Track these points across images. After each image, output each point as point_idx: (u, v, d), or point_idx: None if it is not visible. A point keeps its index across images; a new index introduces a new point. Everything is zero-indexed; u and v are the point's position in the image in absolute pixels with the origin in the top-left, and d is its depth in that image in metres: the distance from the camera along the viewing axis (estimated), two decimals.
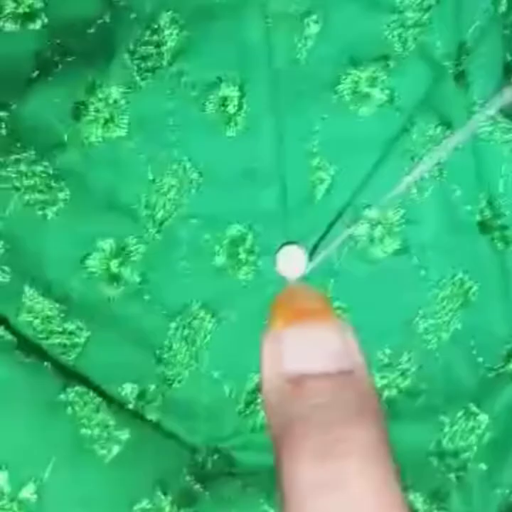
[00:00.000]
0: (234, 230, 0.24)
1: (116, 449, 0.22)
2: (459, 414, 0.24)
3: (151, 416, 0.24)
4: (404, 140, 0.24)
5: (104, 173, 0.24)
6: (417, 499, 0.23)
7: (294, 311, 0.22)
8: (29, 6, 0.26)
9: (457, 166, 0.24)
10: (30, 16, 0.26)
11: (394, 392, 0.24)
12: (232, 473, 0.24)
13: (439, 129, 0.24)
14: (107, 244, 0.24)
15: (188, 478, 0.24)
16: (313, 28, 0.24)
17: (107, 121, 0.24)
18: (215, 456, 0.24)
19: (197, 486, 0.24)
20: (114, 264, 0.24)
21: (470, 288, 0.24)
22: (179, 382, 0.24)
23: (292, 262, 0.24)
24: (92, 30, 0.26)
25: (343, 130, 0.24)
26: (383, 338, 0.24)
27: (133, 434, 0.23)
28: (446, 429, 0.24)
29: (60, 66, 0.25)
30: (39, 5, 0.26)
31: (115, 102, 0.25)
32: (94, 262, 0.24)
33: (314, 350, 0.22)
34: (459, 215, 0.24)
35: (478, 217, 0.24)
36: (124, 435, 0.23)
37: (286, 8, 0.24)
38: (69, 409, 0.22)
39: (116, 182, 0.24)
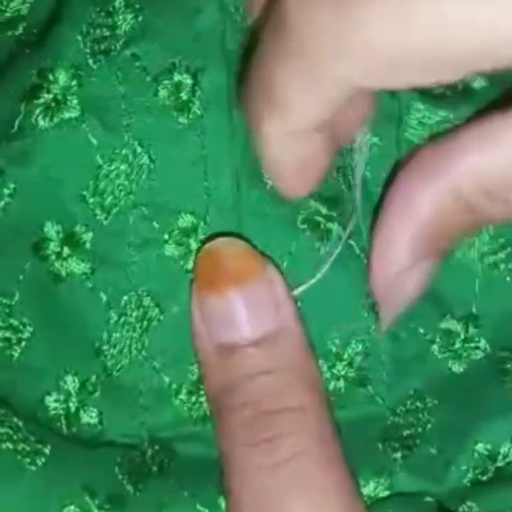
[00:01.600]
0: (185, 219, 0.24)
1: (41, 460, 0.23)
2: (401, 407, 0.24)
3: (92, 413, 0.24)
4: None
5: (52, 159, 0.24)
6: (365, 484, 0.24)
7: (214, 276, 0.22)
8: (17, 11, 0.26)
9: None
10: (13, 23, 0.26)
11: (342, 382, 0.24)
12: (168, 468, 0.24)
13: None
14: (56, 230, 0.24)
15: (120, 477, 0.24)
16: None
17: (58, 103, 0.24)
18: (156, 447, 0.24)
19: (128, 487, 0.24)
20: (64, 252, 0.24)
21: None
22: (118, 370, 0.24)
23: None
24: (47, 16, 0.25)
25: None
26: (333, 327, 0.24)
27: (55, 448, 0.23)
28: (390, 420, 0.24)
29: (19, 59, 0.25)
30: (25, 11, 0.26)
31: (66, 84, 0.24)
32: (43, 252, 0.24)
33: (237, 316, 0.22)
34: None
35: None
36: (47, 449, 0.23)
37: None
38: None
39: (64, 167, 0.24)
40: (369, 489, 0.24)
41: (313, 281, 0.23)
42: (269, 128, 0.20)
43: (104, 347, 0.24)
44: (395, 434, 0.24)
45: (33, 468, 0.23)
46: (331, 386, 0.24)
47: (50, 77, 0.24)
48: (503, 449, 0.24)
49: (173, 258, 0.24)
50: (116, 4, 0.24)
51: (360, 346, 0.24)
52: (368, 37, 0.16)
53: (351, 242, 0.24)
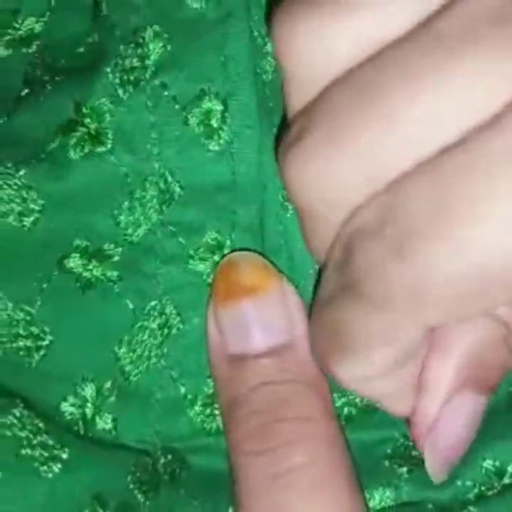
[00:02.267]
0: (211, 236, 0.25)
1: (57, 467, 0.23)
2: None
3: (107, 418, 0.25)
4: None
5: (82, 183, 0.24)
6: (371, 497, 0.24)
7: (230, 287, 0.23)
8: (30, 29, 0.26)
9: None
10: (27, 40, 0.26)
11: (353, 410, 0.25)
12: (180, 478, 0.24)
13: None
14: (85, 245, 0.25)
15: (131, 486, 0.24)
16: None
17: (91, 136, 0.25)
18: (169, 456, 0.25)
19: (139, 496, 0.24)
20: (92, 264, 0.25)
21: None
22: (135, 375, 0.24)
23: None
24: (81, 50, 0.26)
25: None
26: None
27: (72, 453, 0.23)
28: (400, 441, 0.25)
29: (48, 86, 0.26)
30: (38, 29, 0.26)
31: (100, 116, 0.25)
32: (71, 265, 0.25)
33: (249, 327, 0.22)
34: None
35: None
36: (64, 454, 0.23)
37: None
38: (7, 432, 0.23)
39: (96, 196, 0.25)
40: (374, 502, 0.24)
41: None
42: (344, 373, 0.19)
43: (123, 350, 0.24)
44: (403, 454, 0.25)
45: (50, 475, 0.23)
46: (345, 412, 0.25)
47: (84, 110, 0.25)
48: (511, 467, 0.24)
49: (198, 272, 0.25)
50: (146, 36, 0.25)
51: None
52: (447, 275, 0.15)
53: None
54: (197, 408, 0.25)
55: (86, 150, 0.25)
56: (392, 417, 0.24)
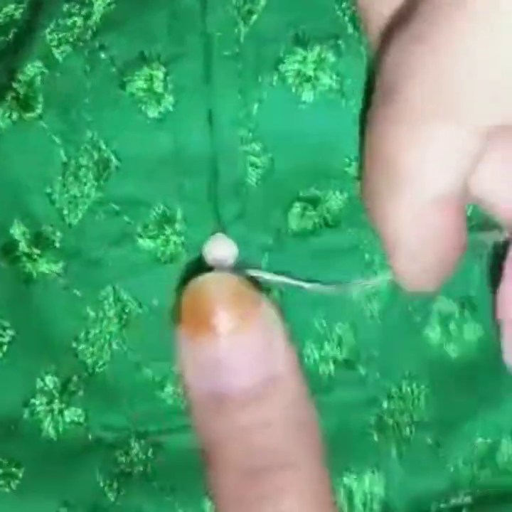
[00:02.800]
0: (158, 211, 0.23)
1: (14, 484, 0.23)
2: (395, 390, 0.24)
3: (77, 411, 0.24)
4: (349, 131, 0.22)
5: (13, 159, 0.22)
6: (353, 480, 0.23)
7: (202, 319, 0.20)
8: (9, 16, 0.24)
9: None
10: (4, 28, 0.24)
11: (331, 365, 0.24)
12: (153, 467, 0.24)
13: None
14: (22, 230, 0.23)
15: (101, 484, 0.23)
16: (258, 2, 0.22)
17: (20, 101, 0.22)
18: (142, 441, 0.24)
19: (110, 494, 0.23)
20: (34, 253, 0.23)
21: None
22: (100, 367, 0.23)
23: (222, 253, 0.23)
24: (17, 14, 0.24)
25: (283, 115, 0.22)
26: (318, 308, 0.23)
27: (30, 468, 0.23)
28: (385, 404, 0.24)
29: None
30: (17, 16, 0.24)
31: (31, 81, 0.22)
32: (13, 254, 0.23)
33: (228, 363, 0.20)
34: None
35: None
36: (20, 472, 0.23)
37: None
38: None
39: (27, 166, 0.23)
40: (364, 485, 0.23)
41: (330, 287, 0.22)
42: (391, 206, 0.18)
43: (82, 346, 0.23)
44: (390, 422, 0.24)
45: (7, 490, 0.23)
46: (320, 369, 0.24)
47: (18, 76, 0.22)
48: (504, 445, 0.23)
49: (149, 251, 0.23)
50: None
51: (348, 326, 0.23)
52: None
53: None
54: (167, 390, 0.24)
55: (14, 117, 0.22)
56: (371, 372, 0.23)
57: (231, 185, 0.23)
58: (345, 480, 0.23)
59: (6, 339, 0.23)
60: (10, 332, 0.23)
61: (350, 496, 0.23)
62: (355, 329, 0.23)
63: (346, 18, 0.22)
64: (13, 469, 0.23)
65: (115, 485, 0.23)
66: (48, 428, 0.24)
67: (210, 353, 0.20)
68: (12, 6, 0.24)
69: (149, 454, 0.24)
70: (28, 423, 0.24)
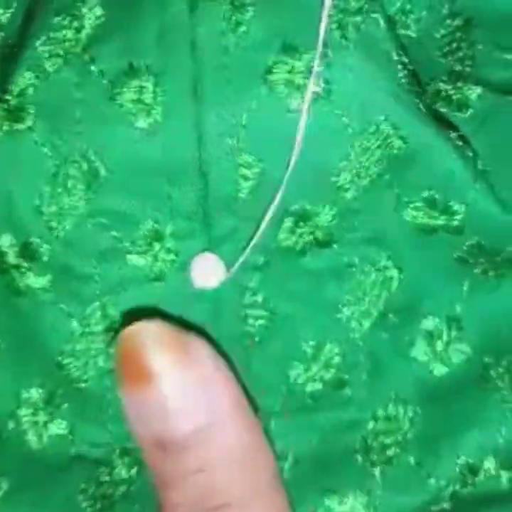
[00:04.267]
0: (147, 226, 0.22)
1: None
2: (381, 412, 0.23)
3: (61, 424, 0.23)
4: (340, 138, 0.22)
5: (3, 172, 0.22)
6: (335, 501, 0.23)
7: (138, 370, 0.20)
8: None
9: None
10: None
11: (318, 385, 0.23)
12: (136, 488, 0.23)
13: (383, 126, 0.22)
14: (11, 242, 0.23)
15: (83, 505, 0.23)
16: (246, 12, 0.22)
17: (11, 112, 0.22)
18: (126, 459, 0.23)
19: None
20: (22, 266, 0.23)
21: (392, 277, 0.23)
22: (85, 381, 0.23)
23: (208, 272, 0.22)
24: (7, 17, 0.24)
25: (273, 124, 0.21)
26: (307, 329, 0.23)
27: (12, 480, 0.23)
28: (370, 426, 0.23)
29: None
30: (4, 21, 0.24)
31: (22, 91, 0.22)
32: (2, 265, 0.23)
33: (164, 410, 0.20)
34: None
35: None
36: (4, 483, 0.23)
37: None
38: None
39: (15, 177, 0.22)
40: (345, 507, 0.23)
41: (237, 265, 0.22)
42: None
43: (67, 360, 0.23)
44: (374, 444, 0.23)
45: None
46: (308, 388, 0.23)
47: (9, 87, 0.22)
48: (486, 464, 0.23)
49: (138, 267, 0.23)
50: (85, 8, 0.23)
51: (336, 348, 0.23)
52: None
53: None
54: None
55: (4, 128, 0.22)
56: (357, 393, 0.23)
57: (222, 198, 0.22)
58: (327, 501, 0.23)
59: None
60: None
61: None
62: (343, 350, 0.23)
63: (333, 26, 0.22)
64: None
65: (98, 505, 0.23)
66: (32, 440, 0.23)
67: (146, 399, 0.20)
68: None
69: (132, 473, 0.23)
70: (13, 434, 0.23)
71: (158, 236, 0.22)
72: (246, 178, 0.22)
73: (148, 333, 0.20)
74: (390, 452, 0.23)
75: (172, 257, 0.22)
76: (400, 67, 0.22)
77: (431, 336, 0.23)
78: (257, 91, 0.21)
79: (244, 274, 0.22)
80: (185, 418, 0.20)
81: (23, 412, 0.23)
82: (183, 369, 0.20)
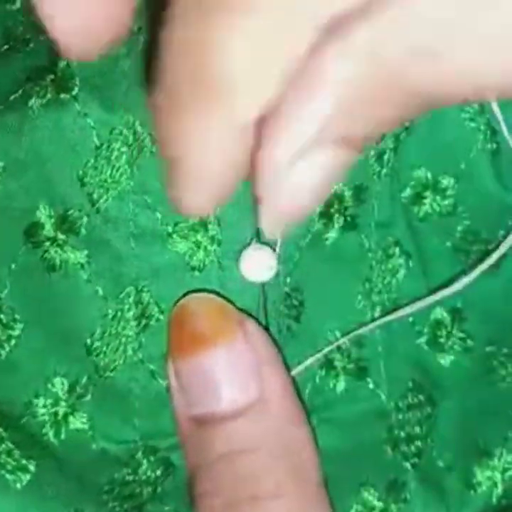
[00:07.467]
0: None
1: (26, 478, 0.21)
2: (404, 401, 0.23)
3: (82, 418, 0.22)
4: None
5: (42, 136, 0.21)
6: (373, 495, 0.22)
7: (187, 339, 0.20)
8: None
9: None
10: None
11: (342, 377, 0.23)
12: (163, 489, 0.22)
13: None
14: (49, 213, 0.21)
15: (111, 505, 0.21)
16: None
17: (57, 83, 0.21)
18: (151, 458, 0.22)
19: None
20: (59, 238, 0.21)
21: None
22: (112, 371, 0.22)
23: (262, 265, 0.21)
24: None
25: None
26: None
27: (39, 465, 0.21)
28: (394, 415, 0.23)
29: (31, 44, 0.22)
30: None
31: (69, 62, 0.21)
32: (37, 238, 0.22)
33: (213, 385, 0.19)
34: None
35: None
36: (31, 465, 0.21)
37: None
38: None
39: (56, 145, 0.21)
40: (380, 506, 0.22)
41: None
42: (195, 122, 0.14)
43: (97, 344, 0.22)
44: (402, 435, 0.23)
45: (18, 486, 0.21)
46: (331, 384, 0.23)
47: (58, 59, 0.22)
48: None
49: (177, 253, 0.21)
50: None
51: (354, 337, 0.22)
52: None
53: None
54: None
55: (48, 96, 0.21)
56: (379, 384, 0.22)
57: None
58: (365, 494, 0.22)
59: (16, 333, 0.22)
60: (20, 325, 0.22)
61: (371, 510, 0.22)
62: (361, 342, 0.23)
63: None
64: (24, 461, 0.21)
65: (125, 505, 0.22)
66: (49, 434, 0.22)
67: (195, 373, 0.19)
68: None
69: (159, 473, 0.22)
70: (31, 424, 0.22)
71: (202, 222, 0.21)
72: None
73: (208, 301, 0.20)
74: (418, 444, 0.23)
75: (215, 246, 0.21)
76: None
77: (437, 326, 0.23)
78: None
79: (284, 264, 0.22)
80: (234, 393, 0.19)
81: (43, 402, 0.22)
82: (238, 341, 0.19)
